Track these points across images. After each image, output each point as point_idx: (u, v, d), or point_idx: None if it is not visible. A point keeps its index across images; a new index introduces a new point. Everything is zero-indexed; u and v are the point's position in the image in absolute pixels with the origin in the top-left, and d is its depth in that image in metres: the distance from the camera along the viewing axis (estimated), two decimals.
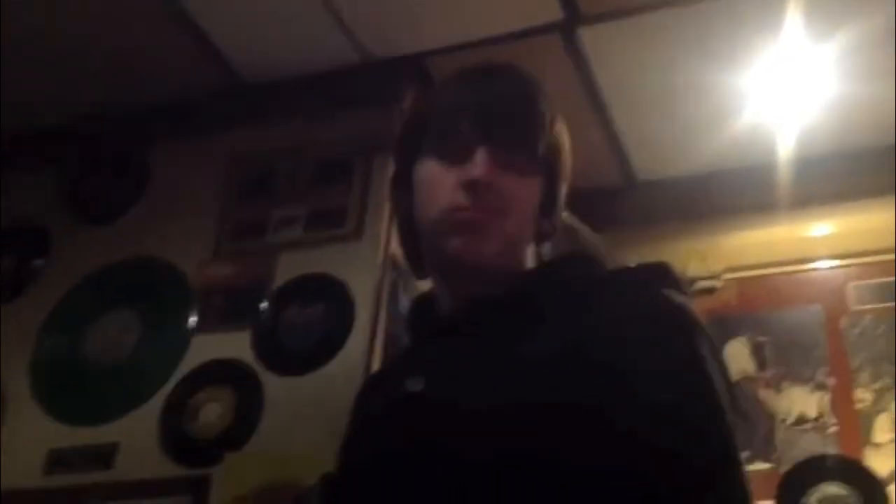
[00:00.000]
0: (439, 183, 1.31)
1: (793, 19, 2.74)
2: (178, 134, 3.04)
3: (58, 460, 2.60)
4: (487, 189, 1.27)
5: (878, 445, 2.91)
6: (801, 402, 3.05)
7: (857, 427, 2.96)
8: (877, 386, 2.99)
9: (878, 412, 2.95)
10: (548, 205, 1.36)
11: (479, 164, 1.28)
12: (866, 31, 2.75)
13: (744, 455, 3.03)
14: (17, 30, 2.80)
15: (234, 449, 2.47)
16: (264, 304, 2.65)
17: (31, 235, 3.04)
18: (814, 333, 3.13)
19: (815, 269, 3.23)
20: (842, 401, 3.01)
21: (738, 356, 3.16)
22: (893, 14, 2.67)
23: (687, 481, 1.06)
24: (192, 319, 2.70)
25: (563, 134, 1.39)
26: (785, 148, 3.15)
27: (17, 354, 2.79)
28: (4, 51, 2.83)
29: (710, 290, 3.24)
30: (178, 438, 2.54)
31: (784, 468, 2.93)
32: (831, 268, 3.21)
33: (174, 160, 3.02)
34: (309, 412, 2.44)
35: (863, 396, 2.99)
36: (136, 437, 2.57)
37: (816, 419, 3.01)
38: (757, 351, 3.15)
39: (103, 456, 2.56)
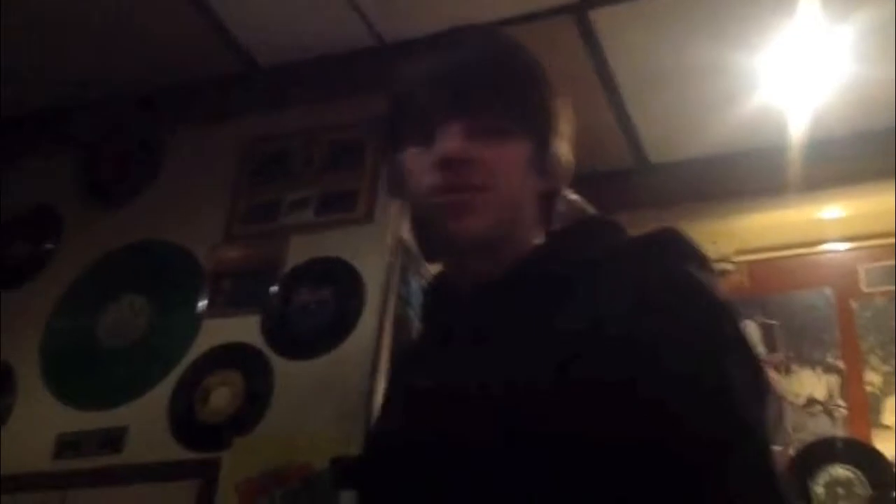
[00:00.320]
0: (418, 166, 1.26)
1: (807, 0, 2.72)
2: (192, 118, 3.03)
3: (67, 444, 2.59)
4: (462, 164, 1.22)
5: (887, 428, 2.92)
6: (810, 384, 3.05)
7: (867, 410, 2.97)
8: (887, 369, 2.99)
9: (888, 395, 2.96)
10: (541, 163, 1.28)
11: (448, 139, 1.22)
12: (880, 13, 2.73)
13: None
14: (31, 12, 2.79)
15: (244, 433, 2.47)
16: (274, 288, 2.65)
17: (42, 219, 3.03)
18: (824, 316, 3.13)
19: (826, 252, 3.23)
20: (851, 383, 3.01)
21: None
22: None
23: (705, 454, 1.03)
24: (203, 303, 2.70)
25: (552, 89, 1.31)
26: (797, 130, 3.13)
27: (28, 339, 2.79)
28: (19, 34, 2.83)
29: (721, 273, 3.23)
30: (187, 422, 2.54)
31: (793, 450, 2.94)
32: (842, 250, 3.21)
33: (187, 144, 3.01)
34: (318, 396, 2.44)
35: (872, 379, 2.99)
36: (145, 420, 2.57)
37: (826, 402, 3.02)
38: (767, 333, 3.15)
39: (113, 440, 2.56)
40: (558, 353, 1.07)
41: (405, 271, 2.60)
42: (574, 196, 1.37)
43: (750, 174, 3.27)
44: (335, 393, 2.40)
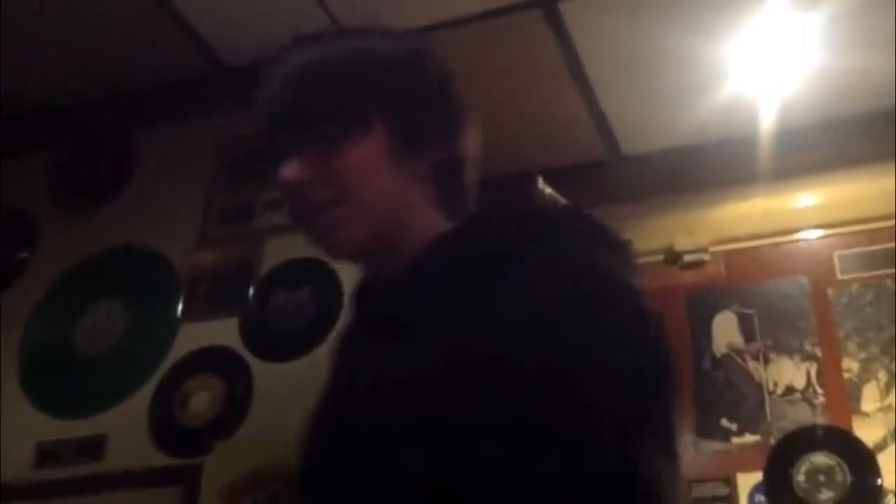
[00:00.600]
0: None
1: None
2: (163, 120, 3.02)
3: (48, 453, 2.58)
4: (302, 187, 1.19)
5: (866, 414, 2.93)
6: (788, 373, 3.06)
7: (845, 396, 2.97)
8: (864, 355, 3.00)
9: (866, 381, 2.97)
10: (409, 146, 1.21)
11: (284, 166, 1.19)
12: (849, 1, 2.74)
13: (732, 427, 3.04)
14: None
15: (225, 437, 2.46)
16: (251, 290, 2.63)
17: (16, 227, 3.01)
18: (801, 304, 3.14)
19: (801, 240, 3.23)
20: (830, 371, 3.02)
21: (725, 328, 3.17)
22: None
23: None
24: (179, 308, 2.69)
25: (409, 65, 1.25)
26: (769, 118, 3.14)
27: (6, 347, 2.77)
28: None
29: (697, 264, 3.24)
30: (168, 428, 2.54)
31: (773, 439, 2.95)
32: (817, 238, 3.21)
33: (159, 146, 3.00)
34: (299, 398, 2.41)
35: (850, 366, 3.00)
36: (125, 427, 2.56)
37: (804, 390, 3.02)
38: (744, 323, 3.16)
39: (93, 447, 2.55)
40: (454, 343, 1.04)
41: None
42: (547, 189, 1.36)
43: (723, 164, 3.27)
44: (316, 394, 2.38)
